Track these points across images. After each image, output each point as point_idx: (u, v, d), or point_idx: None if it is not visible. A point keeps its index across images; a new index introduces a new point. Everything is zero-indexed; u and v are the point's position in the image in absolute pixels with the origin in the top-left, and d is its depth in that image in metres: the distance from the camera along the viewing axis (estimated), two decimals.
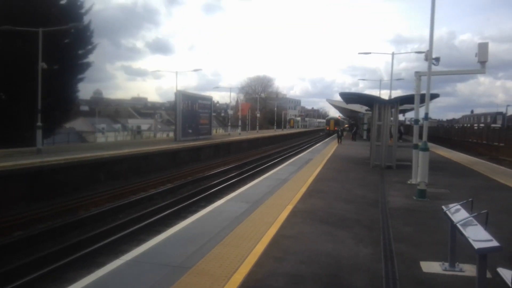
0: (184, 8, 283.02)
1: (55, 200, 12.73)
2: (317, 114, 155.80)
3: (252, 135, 45.23)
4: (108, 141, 39.75)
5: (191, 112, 30.15)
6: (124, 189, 14.89)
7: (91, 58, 27.42)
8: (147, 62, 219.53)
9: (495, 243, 3.63)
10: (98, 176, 16.16)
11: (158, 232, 7.39)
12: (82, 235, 9.36)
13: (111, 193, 14.18)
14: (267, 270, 4.77)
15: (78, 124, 54.03)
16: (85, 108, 70.76)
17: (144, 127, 69.13)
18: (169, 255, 5.19)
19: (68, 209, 11.87)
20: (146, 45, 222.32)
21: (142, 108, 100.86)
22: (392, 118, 16.07)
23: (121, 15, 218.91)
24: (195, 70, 62.07)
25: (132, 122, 72.01)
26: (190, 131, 29.70)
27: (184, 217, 9.17)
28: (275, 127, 70.47)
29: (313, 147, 30.57)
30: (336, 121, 64.86)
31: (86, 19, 26.54)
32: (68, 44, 25.25)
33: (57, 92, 23.51)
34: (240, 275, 4.55)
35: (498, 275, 3.62)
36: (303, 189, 10.34)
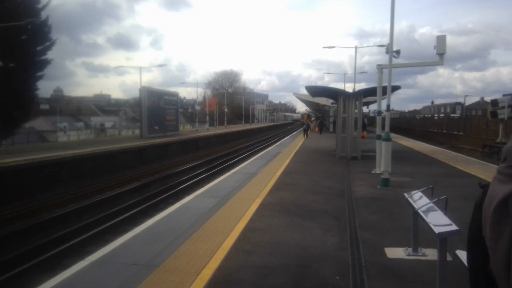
0: (147, 3, 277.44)
1: (16, 203, 12.21)
2: (285, 108, 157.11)
3: (220, 130, 45.03)
4: (71, 140, 38.49)
5: (157, 108, 29.64)
6: (88, 189, 14.48)
7: (50, 54, 26.35)
8: (109, 58, 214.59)
9: (454, 227, 3.78)
10: (61, 177, 15.64)
11: (125, 231, 7.24)
12: (45, 238, 9.05)
13: (75, 193, 13.76)
14: (236, 263, 4.78)
15: (38, 124, 51.90)
16: (45, 106, 67.99)
17: (108, 124, 67.20)
18: (136, 253, 5.10)
19: (30, 211, 11.42)
20: (108, 40, 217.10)
21: (105, 105, 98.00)
22: (356, 111, 16.42)
23: (81, 10, 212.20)
24: (160, 66, 61.24)
25: (95, 120, 69.82)
26: (156, 127, 29.22)
27: (152, 215, 9.02)
28: (243, 121, 70.44)
29: (281, 141, 30.81)
30: (308, 115, 71.77)
31: (43, 14, 25.49)
32: (25, 40, 24.11)
33: (15, 91, 22.48)
34: (209, 270, 4.54)
35: (457, 257, 3.78)
36: (271, 183, 10.41)
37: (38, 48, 25.40)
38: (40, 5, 25.30)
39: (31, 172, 14.20)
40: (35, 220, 10.51)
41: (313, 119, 73.87)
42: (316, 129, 40.84)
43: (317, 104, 42.71)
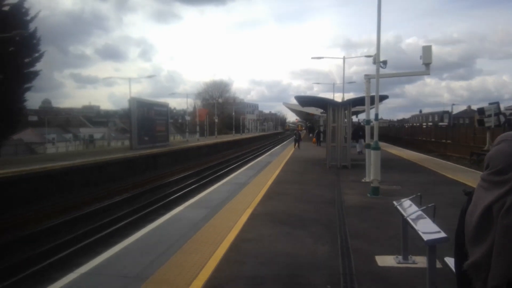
0: (135, 15, 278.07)
1: (4, 215, 12.02)
2: (275, 118, 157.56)
3: (211, 140, 44.97)
4: (59, 151, 38.08)
5: (147, 119, 29.51)
6: (78, 201, 14.33)
7: (38, 66, 26.23)
8: (98, 69, 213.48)
9: (442, 234, 3.81)
10: (50, 189, 15.44)
11: (115, 243, 7.16)
12: (33, 251, 8.91)
13: (64, 205, 13.61)
14: (227, 274, 4.75)
15: (26, 135, 51.35)
16: (33, 118, 67.34)
17: (97, 136, 66.69)
18: (126, 266, 5.05)
19: (18, 224, 11.26)
20: (96, 51, 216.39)
21: (94, 117, 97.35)
22: (346, 120, 16.56)
23: (69, 21, 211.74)
24: (149, 77, 61.93)
25: (84, 131, 69.33)
26: (146, 138, 29.05)
27: (142, 227, 8.94)
28: (233, 131, 70.47)
29: (271, 151, 30.85)
30: (302, 125, 72.55)
31: (31, 26, 25.39)
32: (13, 52, 23.96)
33: (3, 103, 22.28)
34: (200, 282, 4.50)
35: (446, 264, 3.81)
36: (262, 192, 10.40)
37: (27, 59, 25.26)
38: (28, 17, 25.22)
39: (19, 184, 14.01)
40: (23, 233, 10.35)
41: (303, 128, 74.02)
42: (314, 139, 36.22)
43: (307, 113, 42.90)
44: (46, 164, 16.72)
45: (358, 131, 23.74)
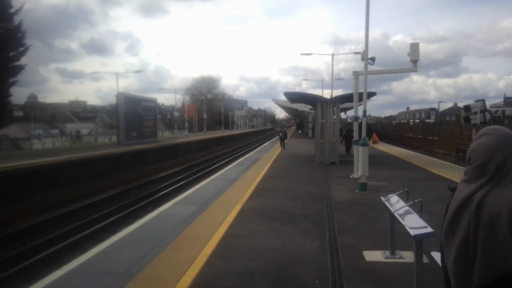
0: (121, 9, 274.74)
1: None
2: (264, 114, 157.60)
3: (200, 136, 44.81)
4: (46, 147, 37.49)
5: (135, 114, 29.27)
6: (65, 197, 14.15)
7: (23, 60, 25.83)
8: (84, 64, 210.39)
9: (429, 229, 3.86)
10: (36, 185, 15.23)
11: (103, 240, 7.10)
12: (19, 248, 8.79)
13: (51, 202, 13.43)
14: (216, 270, 4.76)
15: (12, 131, 50.50)
16: (19, 113, 66.16)
17: (84, 131, 65.86)
18: (114, 262, 5.02)
19: (3, 222, 11.07)
20: (82, 46, 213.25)
21: (81, 112, 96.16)
22: (334, 116, 16.63)
23: (53, 14, 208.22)
24: (137, 72, 61.58)
25: (71, 127, 68.41)
26: (134, 134, 28.82)
27: (130, 223, 8.88)
28: (222, 128, 70.36)
29: (260, 147, 30.86)
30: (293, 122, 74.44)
31: (16, 19, 24.93)
32: None
33: None
34: (188, 278, 4.50)
35: (433, 258, 3.87)
36: (251, 188, 10.41)
37: (11, 53, 24.84)
38: (12, 10, 24.76)
39: (4, 180, 13.78)
40: (9, 230, 10.20)
41: (293, 125, 74.11)
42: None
43: (296, 110, 43.07)
44: (32, 160, 16.47)
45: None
